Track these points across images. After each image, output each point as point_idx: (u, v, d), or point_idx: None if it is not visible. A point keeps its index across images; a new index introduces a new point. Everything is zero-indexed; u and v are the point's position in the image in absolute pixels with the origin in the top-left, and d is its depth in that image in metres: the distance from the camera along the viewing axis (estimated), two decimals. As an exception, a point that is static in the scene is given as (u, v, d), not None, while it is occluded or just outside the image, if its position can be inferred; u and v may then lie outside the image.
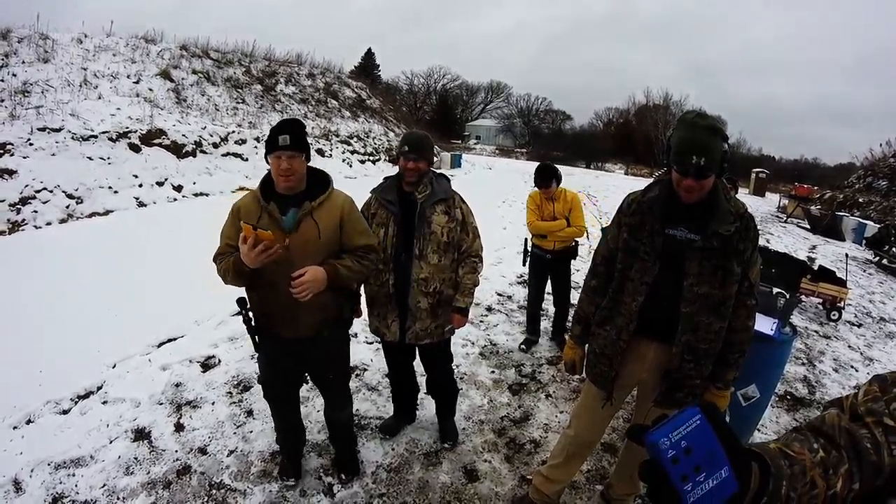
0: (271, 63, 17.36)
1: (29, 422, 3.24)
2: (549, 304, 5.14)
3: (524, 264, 4.92)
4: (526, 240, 4.93)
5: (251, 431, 3.29)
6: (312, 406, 3.50)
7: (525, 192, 15.61)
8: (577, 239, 4.66)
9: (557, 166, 4.68)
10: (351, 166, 15.07)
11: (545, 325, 5.17)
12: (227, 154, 11.43)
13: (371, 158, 16.40)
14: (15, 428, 3.17)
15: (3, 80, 9.67)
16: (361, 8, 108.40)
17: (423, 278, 2.81)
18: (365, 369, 4.15)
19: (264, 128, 12.90)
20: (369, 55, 52.06)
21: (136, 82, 11.76)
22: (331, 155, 14.65)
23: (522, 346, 4.76)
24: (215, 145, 11.27)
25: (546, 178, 4.45)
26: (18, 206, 7.72)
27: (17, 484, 2.75)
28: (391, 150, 17.66)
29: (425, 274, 2.80)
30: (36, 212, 7.74)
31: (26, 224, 7.48)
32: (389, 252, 2.81)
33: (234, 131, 12.05)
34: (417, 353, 3.17)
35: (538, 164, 4.74)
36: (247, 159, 11.64)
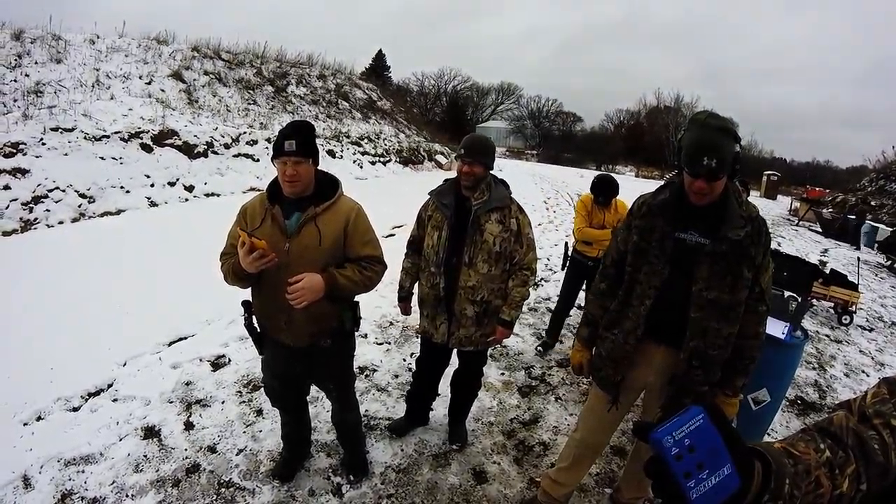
0: (282, 64, 17.45)
1: (39, 418, 3.26)
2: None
3: (563, 268, 4.87)
4: (567, 244, 4.90)
5: (260, 431, 3.29)
6: (322, 406, 3.50)
7: (536, 194, 15.62)
8: None
9: (615, 176, 4.58)
10: (361, 167, 15.08)
11: (563, 331, 5.12)
12: (239, 155, 11.47)
13: (382, 160, 16.39)
14: (25, 424, 3.19)
15: (16, 81, 9.76)
16: (373, 10, 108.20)
17: (470, 286, 2.78)
18: (374, 370, 4.15)
19: (275, 129, 12.93)
20: (380, 57, 52.00)
21: (148, 83, 11.84)
22: (341, 156, 14.68)
23: (539, 349, 4.73)
24: (227, 146, 11.32)
25: (608, 197, 4.38)
26: (31, 205, 7.78)
27: (27, 480, 2.76)
28: (402, 152, 17.68)
29: (473, 282, 2.77)
30: (48, 211, 7.80)
31: (38, 223, 7.53)
32: (441, 256, 2.80)
33: (245, 132, 12.11)
34: (455, 356, 3.17)
35: (597, 175, 4.61)
36: (258, 160, 11.68)
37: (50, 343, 4.04)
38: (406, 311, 3.26)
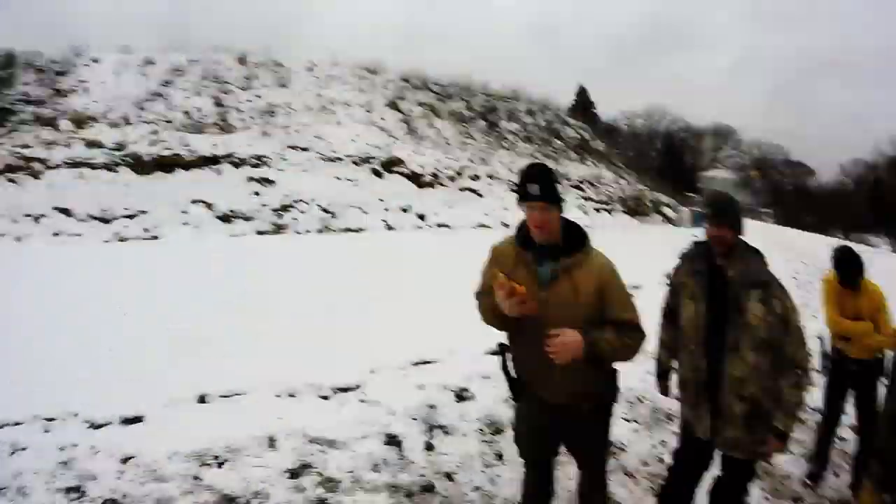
0: (489, 98, 18.01)
1: (291, 395, 3.74)
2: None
3: (821, 369, 3.78)
4: (820, 339, 3.88)
5: (499, 475, 3.23)
6: (564, 473, 3.10)
7: (781, 266, 12.80)
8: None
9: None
10: (587, 214, 14.41)
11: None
12: (464, 189, 12.03)
13: (605, 207, 15.66)
14: (277, 396, 3.69)
15: (250, 101, 11.32)
16: (569, 44, 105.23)
17: (737, 377, 2.39)
18: (622, 450, 3.75)
19: (495, 164, 13.37)
20: (582, 93, 49.64)
21: (368, 111, 13.01)
22: (565, 200, 14.41)
23: (808, 481, 3.73)
24: (451, 178, 11.94)
25: (854, 276, 3.47)
26: (280, 212, 8.95)
27: (272, 441, 3.17)
28: (626, 200, 16.87)
29: (739, 372, 2.39)
30: (296, 219, 8.98)
31: (287, 228, 8.64)
32: (701, 334, 2.49)
33: (466, 166, 12.63)
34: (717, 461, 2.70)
35: (838, 247, 3.69)
36: (482, 196, 12.10)
37: (298, 334, 4.62)
38: (664, 390, 2.90)
